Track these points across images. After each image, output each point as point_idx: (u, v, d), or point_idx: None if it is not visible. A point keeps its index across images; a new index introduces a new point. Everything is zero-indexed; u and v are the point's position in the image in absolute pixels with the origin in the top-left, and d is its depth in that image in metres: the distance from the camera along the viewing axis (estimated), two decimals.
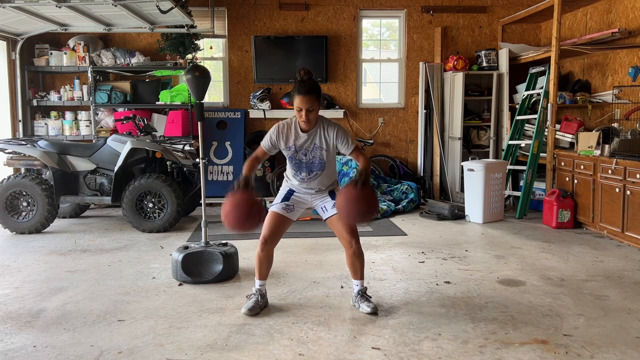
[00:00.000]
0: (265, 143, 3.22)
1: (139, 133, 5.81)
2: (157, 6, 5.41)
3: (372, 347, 2.83)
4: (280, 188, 3.39)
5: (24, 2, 5.16)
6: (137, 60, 6.90)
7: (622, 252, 4.70)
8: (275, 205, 3.25)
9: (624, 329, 3.05)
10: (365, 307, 3.28)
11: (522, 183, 6.41)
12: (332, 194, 3.28)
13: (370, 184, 3.04)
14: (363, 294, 3.35)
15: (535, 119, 6.21)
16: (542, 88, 6.21)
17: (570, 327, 3.08)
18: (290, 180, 3.33)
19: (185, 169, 6.16)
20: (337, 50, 7.47)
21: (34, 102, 6.94)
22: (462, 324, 3.13)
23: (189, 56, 6.92)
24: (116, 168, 5.58)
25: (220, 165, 7.25)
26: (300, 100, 3.03)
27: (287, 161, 3.25)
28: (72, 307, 3.44)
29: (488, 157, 7.21)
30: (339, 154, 3.60)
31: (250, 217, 2.92)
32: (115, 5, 5.32)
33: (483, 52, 7.23)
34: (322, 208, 3.29)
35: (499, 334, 2.99)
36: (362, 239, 5.28)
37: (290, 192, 3.31)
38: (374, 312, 3.25)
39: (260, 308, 3.33)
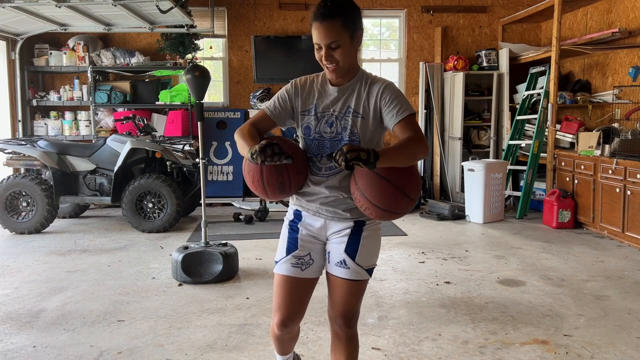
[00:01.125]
0: (270, 104, 1.96)
1: (139, 133, 5.81)
2: (157, 6, 5.41)
3: (372, 347, 2.83)
4: (283, 226, 2.06)
5: (23, 2, 5.15)
6: (136, 60, 6.90)
7: (623, 252, 4.69)
8: (280, 264, 1.98)
9: (624, 329, 3.05)
10: None
11: (522, 183, 6.40)
12: (357, 234, 1.92)
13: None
14: None
15: (536, 119, 6.20)
16: (542, 88, 6.21)
17: (570, 328, 3.07)
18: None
19: (185, 169, 6.16)
20: None
21: (34, 102, 6.93)
22: (462, 324, 3.12)
23: (189, 56, 6.92)
24: (116, 168, 5.58)
25: (220, 165, 7.24)
26: (318, 30, 1.78)
27: (302, 141, 1.97)
28: (71, 308, 3.43)
29: (488, 157, 7.20)
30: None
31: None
32: (115, 5, 5.32)
33: (483, 52, 7.23)
34: (328, 253, 1.97)
35: (499, 334, 2.99)
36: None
37: (295, 222, 1.99)
38: None
39: None
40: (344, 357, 1.97)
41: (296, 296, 1.97)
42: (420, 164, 7.58)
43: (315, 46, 1.83)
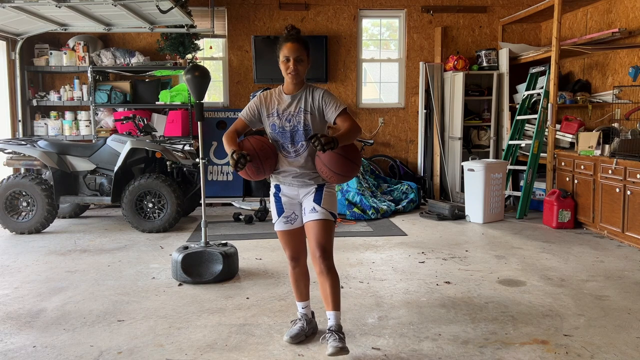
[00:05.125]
0: (244, 113, 2.80)
1: (139, 133, 5.81)
2: (157, 6, 5.41)
3: (372, 347, 2.83)
4: (270, 197, 2.90)
5: (24, 2, 5.15)
6: (137, 60, 6.90)
7: (623, 252, 4.69)
8: (277, 224, 2.85)
9: (624, 329, 3.05)
10: (330, 347, 2.61)
11: (522, 183, 6.40)
12: (320, 191, 2.76)
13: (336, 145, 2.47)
14: (334, 332, 2.67)
15: (536, 119, 6.20)
16: (542, 88, 6.21)
17: (570, 328, 3.07)
18: (275, 170, 2.81)
19: (185, 169, 6.16)
20: (337, 50, 7.46)
21: (34, 102, 6.93)
22: (462, 324, 3.12)
23: (189, 56, 6.92)
24: (116, 168, 5.58)
25: (220, 165, 7.24)
26: (288, 48, 2.65)
27: (270, 135, 2.78)
28: (71, 307, 3.43)
29: (488, 157, 7.20)
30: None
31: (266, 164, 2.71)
32: (115, 5, 5.32)
33: (483, 52, 7.23)
34: (303, 209, 2.80)
35: (499, 334, 2.99)
36: (362, 239, 5.33)
37: (277, 194, 2.82)
38: (336, 353, 2.58)
39: (306, 335, 2.91)
40: (329, 284, 2.69)
41: (294, 241, 2.86)
42: (420, 164, 7.59)
43: (283, 59, 2.67)
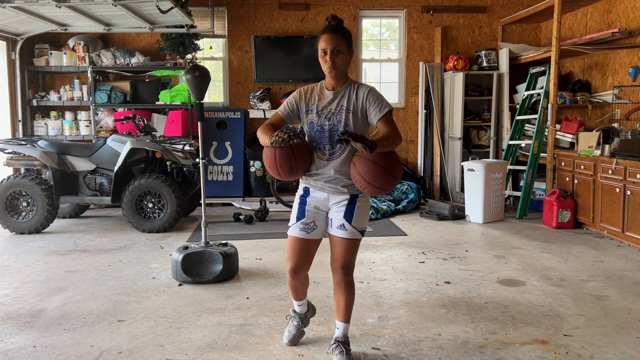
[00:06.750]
0: (282, 107, 2.61)
1: (139, 133, 5.81)
2: (157, 6, 5.41)
3: (372, 347, 2.83)
4: (295, 198, 2.70)
5: (24, 2, 5.15)
6: (137, 60, 6.90)
7: (622, 252, 4.69)
8: (292, 228, 2.63)
9: (624, 329, 3.05)
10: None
11: (522, 183, 6.40)
12: (352, 204, 2.55)
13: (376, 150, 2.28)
14: (340, 343, 2.66)
15: (536, 119, 6.21)
16: (542, 88, 6.21)
17: (570, 327, 3.07)
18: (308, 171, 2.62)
19: (185, 169, 6.16)
20: None
21: (34, 102, 6.93)
22: (462, 324, 3.12)
23: (189, 56, 6.92)
24: (116, 168, 5.58)
25: (220, 165, 7.24)
26: (324, 39, 2.45)
27: (307, 134, 2.59)
28: (72, 307, 3.43)
29: (488, 157, 7.20)
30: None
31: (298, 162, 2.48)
32: (115, 5, 5.32)
33: (483, 52, 7.23)
34: (330, 220, 2.60)
35: (499, 334, 2.99)
36: (362, 240, 5.31)
37: (304, 197, 2.62)
38: None
39: (305, 325, 2.94)
40: (344, 299, 2.61)
41: (303, 251, 2.62)
42: (420, 164, 7.59)
43: (321, 52, 2.47)
